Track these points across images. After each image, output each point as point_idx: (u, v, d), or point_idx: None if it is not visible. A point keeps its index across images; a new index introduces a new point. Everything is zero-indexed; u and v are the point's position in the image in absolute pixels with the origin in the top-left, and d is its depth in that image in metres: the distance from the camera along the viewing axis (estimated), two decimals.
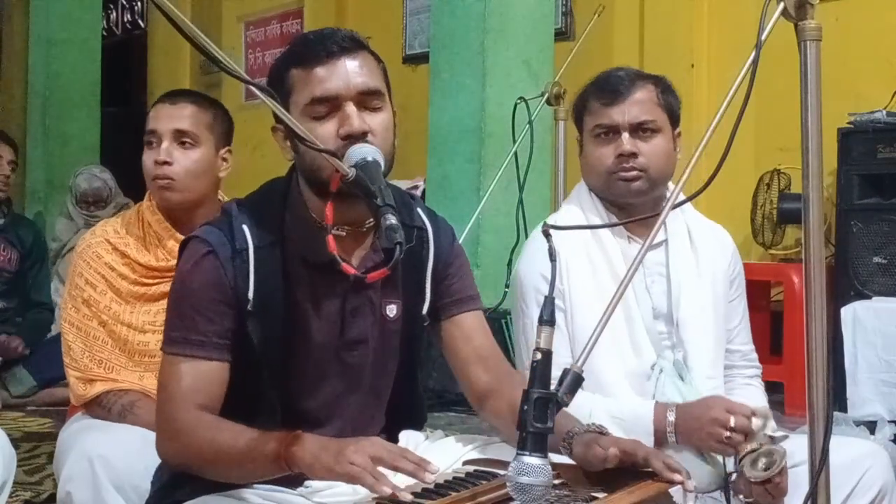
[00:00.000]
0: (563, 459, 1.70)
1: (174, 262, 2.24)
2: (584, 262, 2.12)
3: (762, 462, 1.90)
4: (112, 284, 2.31)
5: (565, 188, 3.34)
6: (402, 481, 1.47)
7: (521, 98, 3.64)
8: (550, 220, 2.21)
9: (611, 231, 2.15)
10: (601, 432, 1.66)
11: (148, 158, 2.33)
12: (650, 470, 1.57)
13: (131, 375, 2.27)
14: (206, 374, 1.64)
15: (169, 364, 1.66)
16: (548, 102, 3.39)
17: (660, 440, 1.98)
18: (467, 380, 1.83)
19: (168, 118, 2.32)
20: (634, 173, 2.11)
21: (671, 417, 1.98)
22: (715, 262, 2.20)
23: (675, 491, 1.58)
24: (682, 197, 1.63)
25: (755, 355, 2.30)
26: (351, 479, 1.46)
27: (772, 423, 1.99)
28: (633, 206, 2.15)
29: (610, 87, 2.17)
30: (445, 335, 1.84)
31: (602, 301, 2.07)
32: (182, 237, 2.26)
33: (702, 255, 2.18)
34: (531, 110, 3.63)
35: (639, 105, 2.13)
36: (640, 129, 2.13)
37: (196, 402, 1.63)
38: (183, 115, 2.32)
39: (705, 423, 1.93)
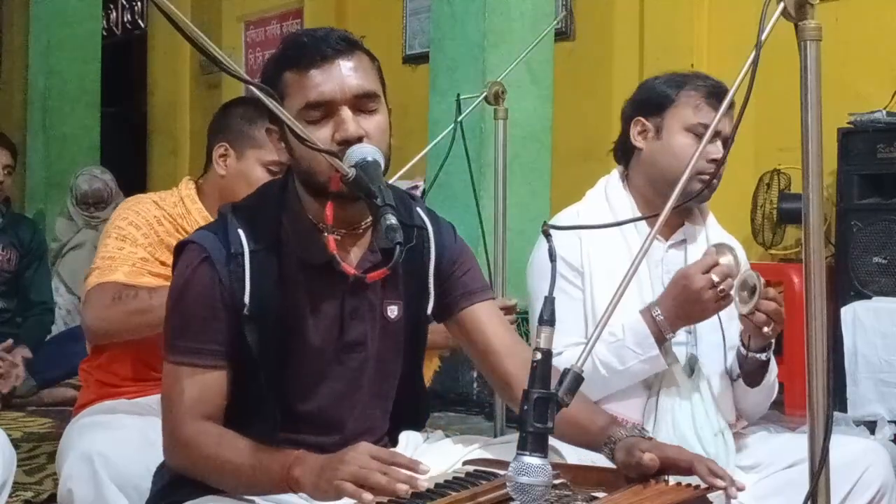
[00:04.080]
0: (566, 459, 1.71)
1: None
2: (606, 250, 2.15)
3: (744, 293, 1.97)
4: (157, 233, 2.33)
5: (505, 190, 3.26)
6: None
7: (458, 95, 3.51)
8: (574, 209, 2.24)
9: (635, 227, 2.16)
10: (643, 436, 1.66)
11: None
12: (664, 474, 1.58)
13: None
14: (208, 384, 1.63)
15: (171, 373, 1.65)
16: (486, 101, 3.31)
17: (661, 340, 2.02)
18: (491, 369, 1.82)
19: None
20: (716, 181, 2.11)
21: (660, 317, 2.01)
22: None
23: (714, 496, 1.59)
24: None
25: None
26: (350, 494, 1.44)
27: (738, 251, 2.04)
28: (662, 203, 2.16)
29: (723, 91, 2.14)
30: (461, 329, 1.83)
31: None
32: None
33: None
34: (463, 108, 3.51)
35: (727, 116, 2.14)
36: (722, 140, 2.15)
37: (199, 413, 1.62)
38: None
39: (694, 299, 1.97)
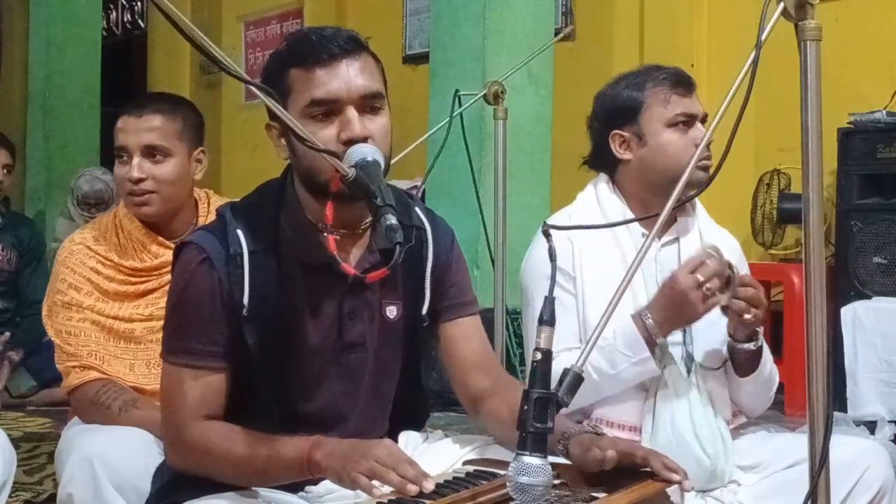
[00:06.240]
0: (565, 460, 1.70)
1: (159, 261, 2.26)
2: (598, 253, 2.14)
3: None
4: (98, 286, 2.28)
5: (505, 190, 3.26)
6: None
7: (456, 90, 3.47)
8: (565, 212, 2.24)
9: (627, 229, 2.16)
10: (598, 433, 1.67)
11: (119, 172, 2.32)
12: (649, 470, 1.57)
13: (121, 365, 2.25)
14: (210, 385, 1.63)
15: (172, 375, 1.65)
16: (486, 101, 3.30)
17: (651, 344, 2.01)
18: (463, 383, 1.83)
19: (136, 133, 2.29)
20: (710, 163, 2.12)
21: (649, 321, 2.00)
22: None
23: (671, 490, 1.59)
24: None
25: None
26: (362, 488, 1.46)
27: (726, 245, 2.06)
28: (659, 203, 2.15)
29: (686, 77, 2.19)
30: (442, 339, 1.84)
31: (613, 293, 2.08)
32: (164, 240, 2.30)
33: None
34: (462, 104, 3.49)
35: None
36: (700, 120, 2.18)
37: (202, 414, 1.63)
38: (151, 129, 2.29)
39: (681, 299, 1.96)
